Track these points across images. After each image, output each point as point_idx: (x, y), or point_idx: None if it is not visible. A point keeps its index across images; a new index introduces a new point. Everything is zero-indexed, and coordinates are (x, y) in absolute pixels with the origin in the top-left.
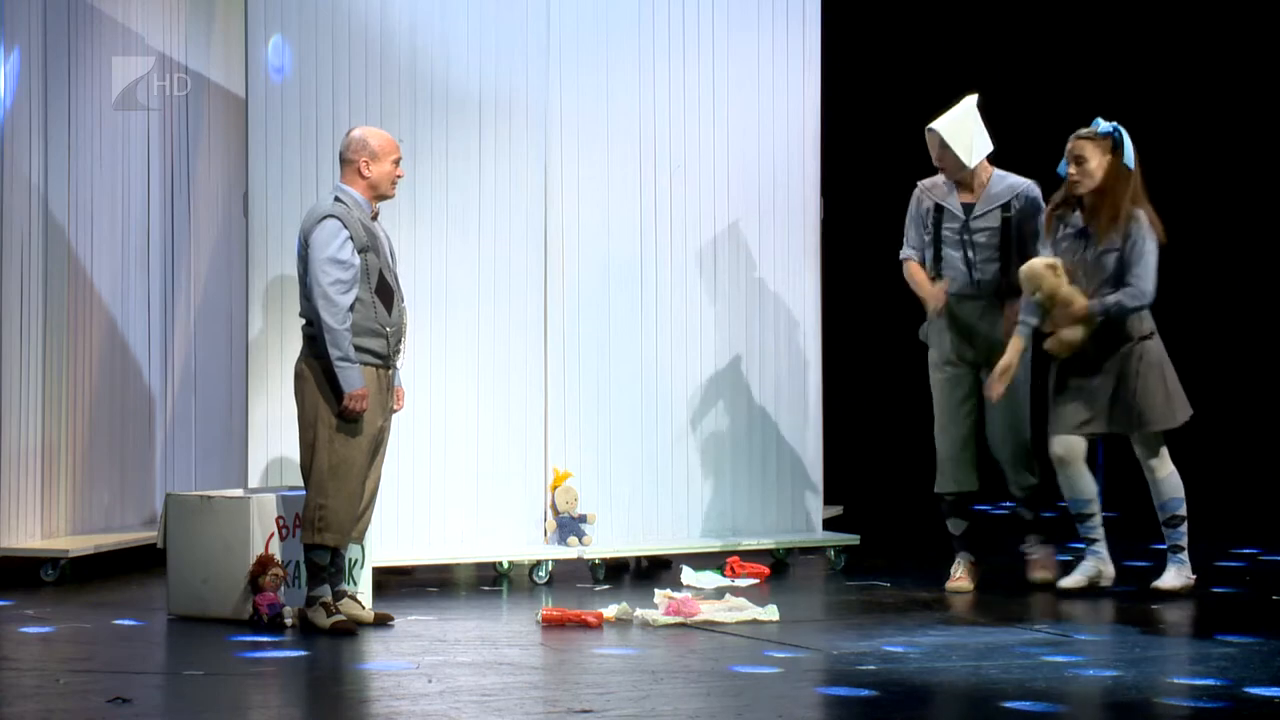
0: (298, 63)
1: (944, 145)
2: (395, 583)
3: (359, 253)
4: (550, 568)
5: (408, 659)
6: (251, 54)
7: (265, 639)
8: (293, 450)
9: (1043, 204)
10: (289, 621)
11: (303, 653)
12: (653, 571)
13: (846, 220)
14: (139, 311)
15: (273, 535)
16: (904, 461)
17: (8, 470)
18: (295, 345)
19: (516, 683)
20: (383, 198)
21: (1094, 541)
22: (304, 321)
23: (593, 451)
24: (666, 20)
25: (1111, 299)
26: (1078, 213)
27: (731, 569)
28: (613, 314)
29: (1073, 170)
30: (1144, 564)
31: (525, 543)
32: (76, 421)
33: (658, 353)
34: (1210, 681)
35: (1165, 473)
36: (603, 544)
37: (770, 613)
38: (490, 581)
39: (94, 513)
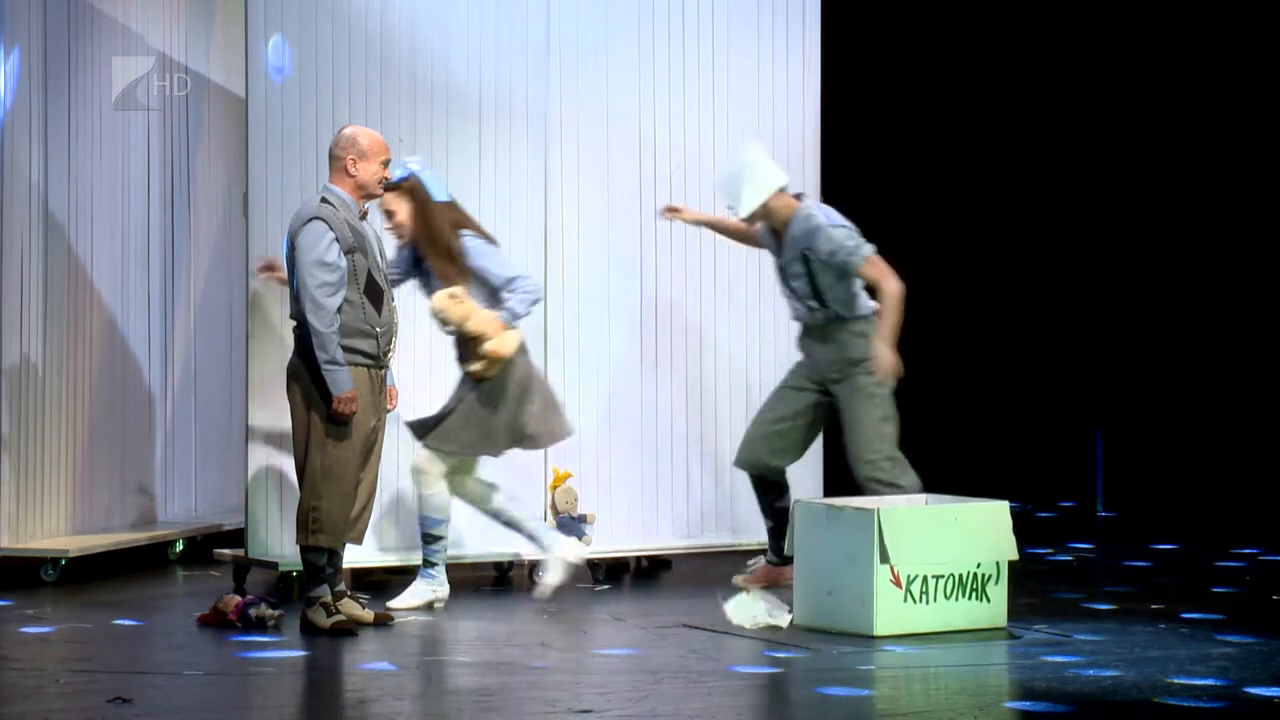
0: (298, 63)
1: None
2: (395, 583)
3: (346, 254)
4: None
5: (407, 659)
6: (251, 54)
7: (265, 639)
8: (291, 450)
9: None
10: (266, 611)
11: (303, 653)
12: (653, 571)
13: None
14: (139, 311)
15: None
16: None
17: (8, 470)
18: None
19: (516, 683)
20: (371, 197)
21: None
22: (294, 323)
23: (593, 451)
24: (666, 20)
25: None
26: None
27: None
28: (613, 314)
29: (388, 226)
30: (1143, 564)
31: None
32: (76, 421)
33: (658, 352)
34: (1210, 681)
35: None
36: (603, 544)
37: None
38: (490, 581)
39: (94, 513)
